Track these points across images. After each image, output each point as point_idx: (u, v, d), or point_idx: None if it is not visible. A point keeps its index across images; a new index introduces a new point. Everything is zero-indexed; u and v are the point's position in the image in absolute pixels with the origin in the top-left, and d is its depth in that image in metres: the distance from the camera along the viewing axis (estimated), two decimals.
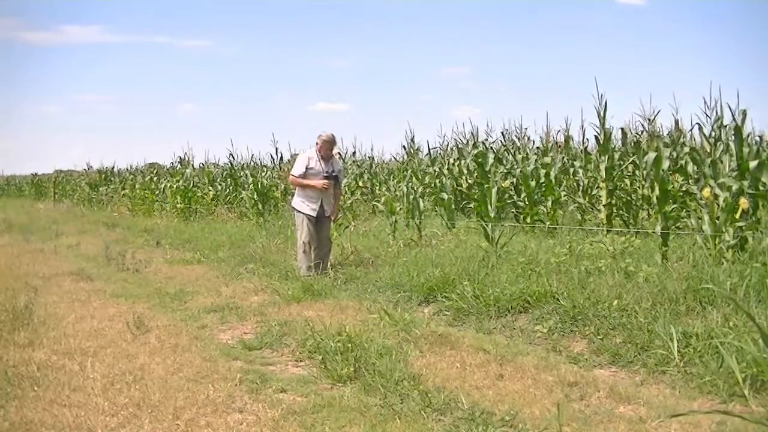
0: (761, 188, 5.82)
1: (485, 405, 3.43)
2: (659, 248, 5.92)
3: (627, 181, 8.55)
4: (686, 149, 7.87)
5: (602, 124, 7.97)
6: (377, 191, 13.05)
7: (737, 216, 5.62)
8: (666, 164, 6.55)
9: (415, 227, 8.70)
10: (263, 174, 14.40)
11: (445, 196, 9.81)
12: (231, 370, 4.16)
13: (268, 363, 4.47)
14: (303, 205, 7.37)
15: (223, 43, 66.01)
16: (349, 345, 4.27)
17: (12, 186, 37.13)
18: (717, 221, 5.78)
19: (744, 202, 5.57)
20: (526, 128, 12.55)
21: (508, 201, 9.09)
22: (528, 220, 8.66)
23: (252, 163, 16.06)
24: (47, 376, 3.98)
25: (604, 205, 8.01)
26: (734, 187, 5.71)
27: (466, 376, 3.92)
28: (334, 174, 7.36)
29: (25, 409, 3.45)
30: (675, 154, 7.88)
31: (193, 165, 17.69)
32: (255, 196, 12.95)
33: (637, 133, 9.45)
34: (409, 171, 10.92)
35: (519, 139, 12.39)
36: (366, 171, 14.36)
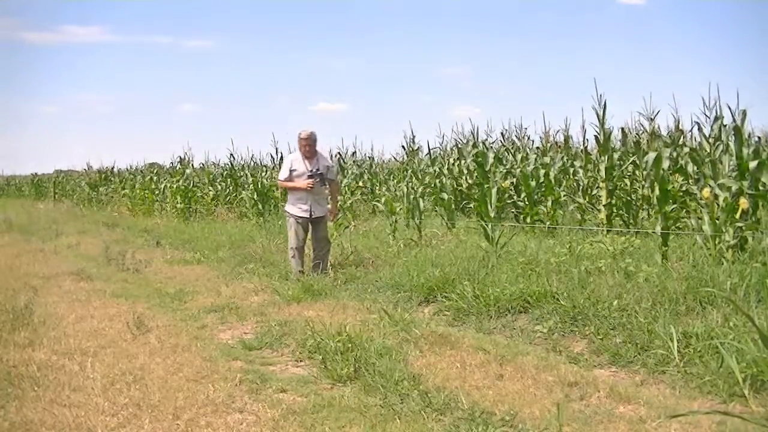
0: (761, 188, 5.82)
1: (485, 405, 3.43)
2: (659, 248, 5.92)
3: (627, 181, 8.55)
4: (686, 149, 7.88)
5: (602, 124, 7.97)
6: (377, 191, 13.05)
7: (737, 216, 5.62)
8: (666, 164, 6.55)
9: (415, 227, 8.70)
10: (263, 174, 14.39)
11: (445, 196, 9.81)
12: (231, 370, 4.16)
13: (268, 363, 4.47)
14: (293, 208, 7.25)
15: (223, 43, 66.06)
16: (349, 345, 4.27)
17: (12, 186, 37.14)
18: (717, 221, 5.78)
19: (744, 202, 5.58)
20: (526, 128, 12.56)
21: (508, 201, 9.09)
22: (528, 220, 8.66)
23: (252, 163, 16.06)
24: (47, 376, 3.98)
25: (604, 205, 8.01)
26: (734, 188, 5.71)
27: (466, 376, 3.92)
28: (318, 172, 7.09)
29: (25, 409, 3.46)
30: (675, 154, 7.88)
31: (193, 165, 17.69)
32: (255, 196, 12.95)
33: (638, 134, 9.45)
34: (409, 171, 10.93)
35: (519, 139, 12.39)
36: (366, 171, 14.35)
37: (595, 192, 8.74)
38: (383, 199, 10.17)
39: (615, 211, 8.24)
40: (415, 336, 4.63)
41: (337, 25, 61.50)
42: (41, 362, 4.25)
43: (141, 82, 61.61)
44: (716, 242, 5.70)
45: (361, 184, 13.71)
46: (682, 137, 8.60)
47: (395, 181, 12.27)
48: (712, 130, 6.25)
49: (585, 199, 8.78)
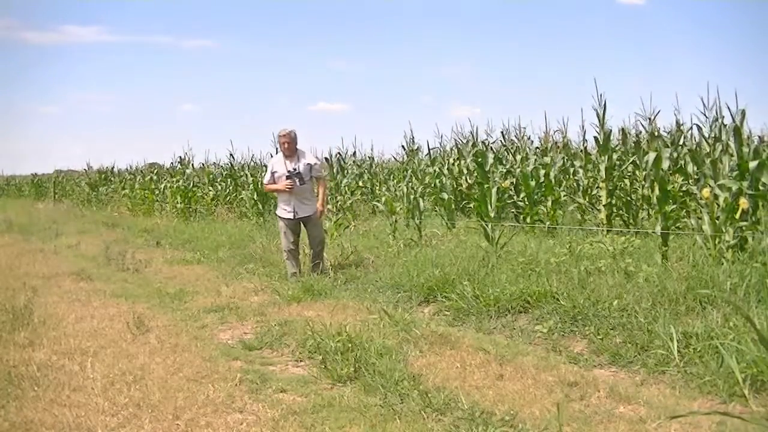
0: (761, 188, 5.82)
1: (485, 405, 3.43)
2: (659, 248, 5.92)
3: (627, 181, 8.55)
4: (686, 149, 7.87)
5: (602, 124, 7.97)
6: (377, 191, 13.04)
7: (737, 216, 5.62)
8: (666, 164, 6.55)
9: (415, 227, 8.70)
10: (263, 174, 14.37)
11: (445, 196, 9.81)
12: (231, 370, 4.16)
13: (268, 363, 4.47)
14: (280, 209, 7.24)
15: (223, 43, 66.04)
16: (349, 345, 4.27)
17: (12, 186, 37.10)
18: (717, 221, 5.78)
19: (744, 203, 5.58)
20: (524, 128, 12.54)
21: (508, 201, 9.08)
22: (528, 220, 8.66)
23: (252, 163, 16.05)
24: (47, 376, 3.99)
25: (604, 205, 8.01)
26: (734, 188, 5.71)
27: (466, 376, 3.92)
28: (296, 172, 6.98)
29: (25, 409, 3.46)
30: (675, 155, 7.88)
31: (193, 165, 17.67)
32: (255, 196, 12.95)
33: (638, 134, 9.45)
34: (409, 171, 10.92)
35: (519, 139, 12.37)
36: (366, 171, 14.35)
37: (595, 192, 8.74)
38: (383, 199, 10.18)
39: (615, 211, 8.24)
40: (415, 336, 4.63)
41: (337, 25, 61.55)
42: (41, 362, 4.25)
43: (141, 82, 61.62)
44: (716, 242, 5.70)
45: (361, 184, 13.71)
46: (682, 137, 8.59)
47: (395, 181, 12.26)
48: (711, 130, 6.25)
49: (585, 199, 8.79)
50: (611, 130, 8.22)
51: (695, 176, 7.04)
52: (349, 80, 60.16)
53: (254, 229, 11.13)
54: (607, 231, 7.35)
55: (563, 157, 9.85)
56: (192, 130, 60.54)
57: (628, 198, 8.44)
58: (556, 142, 10.97)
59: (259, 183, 13.12)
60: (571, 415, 3.27)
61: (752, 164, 5.79)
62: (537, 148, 11.00)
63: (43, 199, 27.38)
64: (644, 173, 7.55)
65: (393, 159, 14.95)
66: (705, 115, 6.27)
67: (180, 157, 18.20)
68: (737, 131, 5.93)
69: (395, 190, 10.90)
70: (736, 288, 4.56)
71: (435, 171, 11.67)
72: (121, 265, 8.50)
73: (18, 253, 10.02)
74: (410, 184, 9.66)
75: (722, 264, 5.25)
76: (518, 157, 10.13)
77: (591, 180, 8.87)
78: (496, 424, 3.17)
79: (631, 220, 8.20)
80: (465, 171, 11.56)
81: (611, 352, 4.19)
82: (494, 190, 7.44)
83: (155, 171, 19.79)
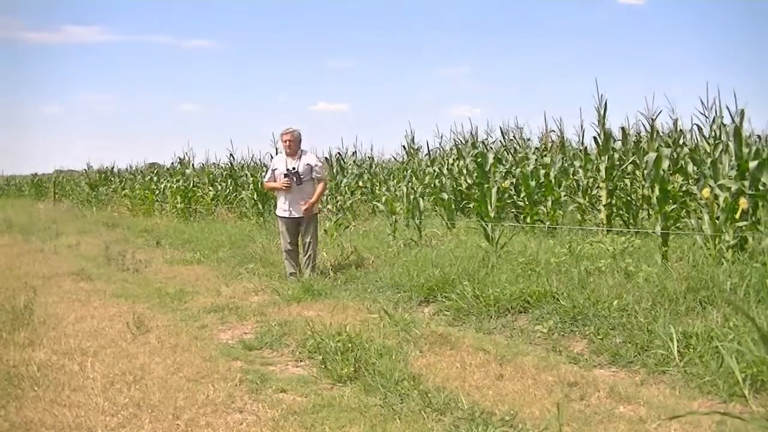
0: (761, 188, 5.82)
1: (485, 405, 3.43)
2: (659, 248, 5.92)
3: (627, 181, 8.55)
4: (686, 150, 7.87)
5: (602, 125, 7.97)
6: (377, 191, 13.04)
7: (737, 216, 5.62)
8: (666, 164, 6.55)
9: (415, 227, 8.70)
10: (263, 174, 14.38)
11: (445, 196, 9.81)
12: (231, 370, 4.16)
13: (268, 363, 4.47)
14: (278, 209, 7.26)
15: (223, 43, 65.92)
16: (349, 345, 4.27)
17: (12, 186, 37.07)
18: (717, 221, 5.78)
19: (744, 203, 5.58)
20: (521, 128, 12.54)
21: (508, 201, 9.09)
22: (528, 220, 8.66)
23: (252, 163, 16.05)
24: (47, 376, 3.98)
25: (604, 205, 8.01)
26: (734, 188, 5.71)
27: (466, 376, 3.92)
28: (294, 171, 6.97)
29: (25, 409, 3.46)
30: (675, 155, 7.88)
31: (193, 165, 17.67)
32: (255, 196, 12.95)
33: (637, 134, 9.45)
34: (409, 171, 10.92)
35: (518, 139, 12.37)
36: (366, 171, 14.35)
37: (595, 192, 8.74)
38: (383, 199, 10.17)
39: (615, 211, 8.24)
40: (415, 336, 4.63)
41: (337, 25, 61.41)
42: (41, 362, 4.25)
43: (141, 82, 61.42)
44: (716, 242, 5.70)
45: (361, 184, 13.71)
46: (681, 137, 8.60)
47: (395, 181, 12.26)
48: (711, 130, 6.25)
49: (585, 199, 8.78)
50: (611, 130, 8.23)
51: (695, 176, 7.04)
52: (349, 80, 60.07)
53: (254, 229, 11.13)
54: (607, 231, 7.35)
55: (563, 157, 9.86)
56: (192, 130, 60.44)
57: (628, 198, 8.44)
58: (554, 142, 10.99)
59: (259, 183, 13.13)
60: (571, 415, 3.27)
61: (752, 164, 5.79)
62: (536, 148, 11.01)
63: (43, 199, 27.37)
64: (644, 173, 7.55)
65: (393, 159, 14.97)
66: (705, 114, 6.28)
67: (180, 157, 18.22)
68: (737, 131, 5.93)
69: (395, 190, 10.90)
70: (736, 288, 4.56)
71: (435, 171, 11.67)
72: (121, 265, 8.49)
73: (18, 253, 10.01)
74: (410, 184, 9.67)
75: (722, 264, 5.26)
76: (518, 157, 10.14)
77: (591, 180, 8.87)
78: (496, 424, 3.17)
79: (631, 220, 8.20)
80: (465, 171, 11.56)
81: (611, 352, 4.19)
82: (494, 190, 7.44)
83: (155, 171, 19.79)
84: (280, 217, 7.21)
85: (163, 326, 5.27)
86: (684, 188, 7.53)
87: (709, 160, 6.04)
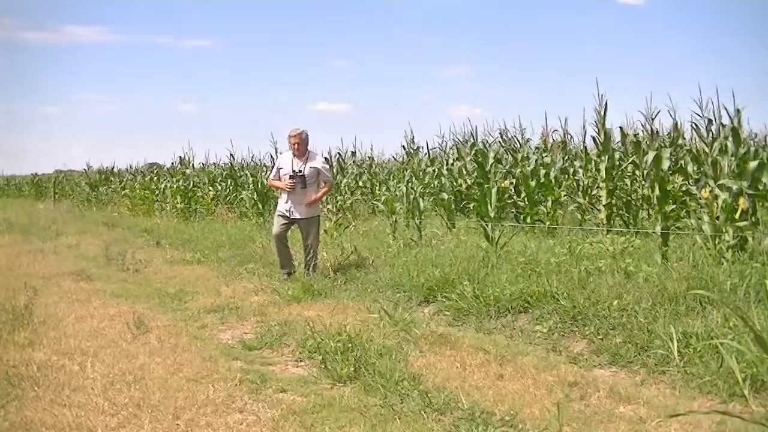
0: (760, 188, 5.82)
1: (485, 405, 3.43)
2: (659, 248, 5.92)
3: (627, 181, 8.55)
4: (685, 149, 7.88)
5: (602, 125, 7.98)
6: (377, 191, 13.04)
7: (737, 216, 5.62)
8: (666, 164, 6.55)
9: (415, 227, 8.70)
10: (263, 174, 14.40)
11: (445, 196, 9.81)
12: (231, 370, 4.16)
13: (268, 363, 4.47)
14: (279, 207, 7.26)
15: (223, 43, 65.95)
16: (349, 345, 4.27)
17: (12, 186, 37.11)
18: (717, 221, 5.77)
19: (743, 202, 5.58)
20: (524, 128, 12.53)
21: (508, 201, 9.08)
22: (528, 220, 8.66)
23: (252, 163, 16.06)
24: (47, 376, 3.98)
25: (604, 205, 8.01)
26: (734, 188, 5.71)
27: (466, 376, 3.92)
28: (300, 174, 6.94)
29: (25, 409, 3.45)
30: (675, 155, 7.89)
31: (193, 165, 17.69)
32: (255, 196, 12.97)
33: (636, 134, 9.45)
34: (409, 171, 10.93)
35: (518, 139, 12.37)
36: (366, 171, 14.35)
37: (595, 192, 8.74)
38: (383, 199, 10.17)
39: (615, 211, 8.24)
40: (415, 336, 4.63)
41: (337, 25, 61.46)
42: (41, 362, 4.24)
43: (141, 82, 61.47)
44: (716, 242, 5.70)
45: (360, 184, 13.71)
46: (681, 137, 8.60)
47: (395, 181, 12.26)
48: (709, 130, 6.25)
49: (585, 199, 8.79)
50: (612, 130, 8.23)
51: (695, 176, 7.04)
52: (349, 80, 60.10)
53: (254, 229, 11.12)
54: (607, 231, 7.35)
55: (563, 157, 9.86)
56: (192, 130, 60.46)
57: (628, 198, 8.44)
58: (556, 142, 10.98)
59: (259, 183, 13.15)
60: (571, 415, 3.27)
61: (752, 164, 5.79)
62: (537, 148, 11.01)
63: (43, 199, 27.38)
64: (644, 173, 7.56)
65: (393, 159, 14.97)
66: (703, 115, 6.27)
67: (180, 157, 18.23)
68: (735, 131, 5.93)
69: (395, 190, 10.91)
70: (736, 288, 4.56)
71: (435, 171, 11.67)
72: (121, 265, 8.49)
73: (18, 253, 10.01)
74: (410, 184, 9.66)
75: (722, 264, 5.26)
76: (519, 157, 10.14)
77: (591, 180, 8.88)
78: (496, 424, 3.17)
79: (631, 220, 8.20)
80: (464, 171, 11.56)
81: (611, 352, 4.19)
82: (494, 190, 7.44)
83: (155, 171, 19.80)
84: (279, 215, 7.19)
85: (163, 326, 5.27)
86: (684, 188, 7.53)
87: (710, 161, 6.04)
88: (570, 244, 6.39)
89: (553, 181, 8.95)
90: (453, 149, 12.74)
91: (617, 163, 8.29)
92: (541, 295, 5.15)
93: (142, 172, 20.94)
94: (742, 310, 3.77)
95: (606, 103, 7.84)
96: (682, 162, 7.79)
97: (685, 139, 8.64)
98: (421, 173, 11.44)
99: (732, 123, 5.96)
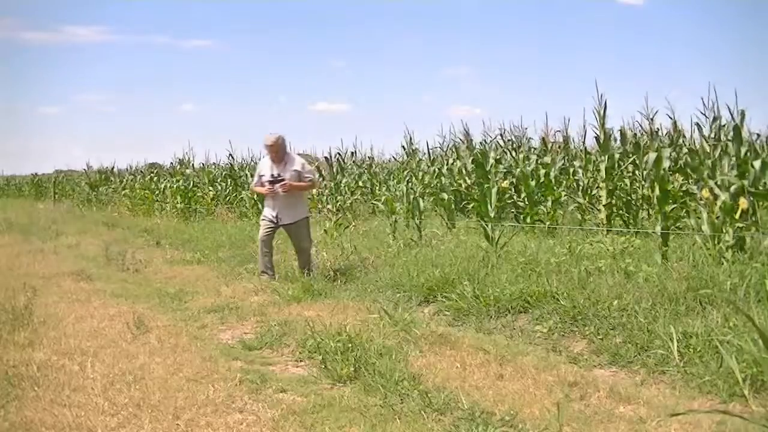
0: (760, 188, 5.82)
1: (485, 405, 3.43)
2: (659, 248, 5.92)
3: (627, 181, 8.55)
4: (686, 149, 7.87)
5: (602, 125, 7.98)
6: (377, 191, 13.05)
7: (737, 216, 5.62)
8: (666, 164, 6.55)
9: (415, 227, 8.70)
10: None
11: (445, 196, 9.81)
12: (231, 370, 4.16)
13: (268, 363, 4.47)
14: (265, 213, 7.25)
15: (223, 44, 65.91)
16: (349, 345, 4.27)
17: (12, 186, 37.12)
18: (717, 221, 5.77)
19: (743, 202, 5.58)
20: (526, 128, 12.54)
21: (508, 201, 9.08)
22: (528, 220, 8.66)
23: (252, 163, 16.05)
24: (47, 376, 3.98)
25: (604, 205, 8.01)
26: (733, 188, 5.71)
27: (466, 376, 3.92)
28: (279, 178, 6.95)
29: (25, 409, 3.45)
30: (675, 155, 7.88)
31: (193, 165, 17.69)
32: (255, 196, 12.94)
33: (635, 134, 9.45)
34: (409, 171, 10.93)
35: (518, 139, 12.37)
36: (366, 171, 14.35)
37: (595, 192, 8.74)
38: (383, 199, 10.18)
39: (615, 211, 8.25)
40: (415, 336, 4.63)
41: (337, 25, 61.44)
42: (41, 362, 4.24)
43: (141, 82, 61.47)
44: (716, 242, 5.70)
45: (360, 184, 13.71)
46: (681, 137, 8.60)
47: (395, 181, 12.27)
48: (711, 130, 6.25)
49: (585, 199, 8.79)
50: (612, 130, 8.24)
51: (695, 176, 7.04)
52: (349, 80, 60.06)
53: (254, 229, 11.05)
54: (607, 231, 7.36)
55: (563, 157, 9.86)
56: (192, 130, 60.46)
57: (628, 198, 8.44)
58: (557, 142, 10.99)
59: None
60: (571, 415, 3.27)
61: (756, 164, 5.79)
62: (534, 148, 11.01)
63: (43, 199, 27.39)
64: (644, 173, 7.56)
65: (393, 159, 14.98)
66: (705, 114, 6.28)
67: (180, 157, 18.24)
68: (737, 131, 5.93)
69: (395, 190, 10.91)
70: (736, 288, 4.56)
71: (434, 171, 11.67)
72: (121, 265, 8.49)
73: (18, 253, 10.00)
74: (410, 184, 9.67)
75: (722, 264, 5.26)
76: (519, 157, 10.14)
77: (591, 180, 8.88)
78: (496, 424, 3.17)
79: (631, 220, 8.20)
80: (464, 171, 11.56)
81: (611, 352, 4.19)
82: (494, 190, 7.44)
83: (155, 171, 19.80)
84: (265, 220, 7.17)
85: (163, 326, 5.27)
86: (684, 188, 7.53)
87: (710, 161, 6.04)
88: (570, 244, 6.40)
89: (553, 181, 8.95)
90: (453, 149, 12.75)
91: (617, 163, 8.29)
92: (541, 295, 5.15)
93: (142, 172, 20.94)
94: (743, 310, 3.77)
95: (605, 103, 7.85)
96: (682, 162, 7.78)
97: (685, 138, 8.63)
98: (420, 173, 11.44)
99: (735, 122, 5.96)
